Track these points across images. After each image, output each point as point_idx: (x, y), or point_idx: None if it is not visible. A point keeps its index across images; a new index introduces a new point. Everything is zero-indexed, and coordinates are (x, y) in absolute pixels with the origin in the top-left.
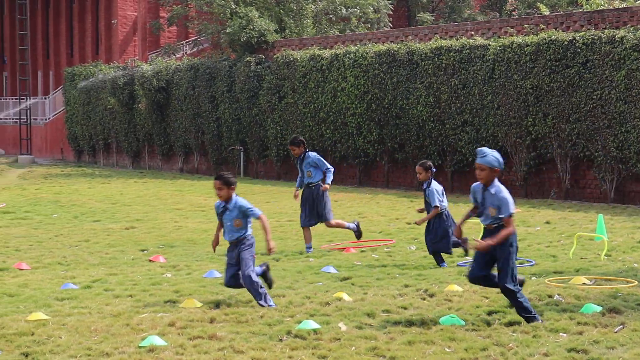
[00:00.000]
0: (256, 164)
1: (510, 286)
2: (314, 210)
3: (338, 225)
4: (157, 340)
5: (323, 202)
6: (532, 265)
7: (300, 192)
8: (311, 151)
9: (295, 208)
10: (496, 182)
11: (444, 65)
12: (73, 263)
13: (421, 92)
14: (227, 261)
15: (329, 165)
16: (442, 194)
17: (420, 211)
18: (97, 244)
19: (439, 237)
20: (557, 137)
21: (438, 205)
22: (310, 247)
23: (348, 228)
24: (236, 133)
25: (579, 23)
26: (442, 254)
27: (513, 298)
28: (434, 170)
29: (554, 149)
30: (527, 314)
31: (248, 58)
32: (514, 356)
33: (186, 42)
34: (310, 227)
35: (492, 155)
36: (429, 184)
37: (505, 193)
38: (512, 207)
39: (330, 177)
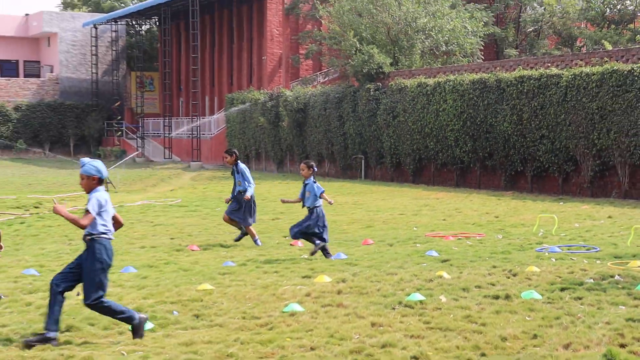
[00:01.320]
0: (374, 169)
1: None
2: (247, 212)
3: (250, 232)
4: (297, 307)
5: (248, 208)
6: (597, 251)
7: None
8: (242, 163)
9: (406, 204)
10: None
11: (525, 90)
12: (232, 246)
13: (507, 112)
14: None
15: (251, 181)
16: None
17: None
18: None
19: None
20: (617, 148)
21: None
22: (258, 240)
23: (254, 239)
24: (358, 145)
25: (637, 56)
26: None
27: None
28: (316, 169)
29: (615, 158)
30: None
31: (368, 85)
32: (582, 324)
33: (319, 73)
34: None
35: (89, 164)
36: (313, 180)
37: None
38: None
39: (249, 191)
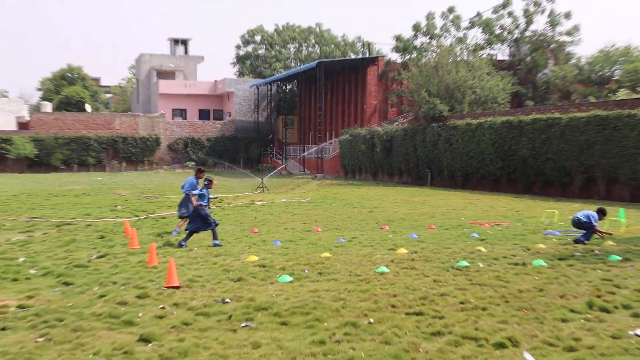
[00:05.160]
0: (436, 179)
1: None
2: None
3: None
4: (384, 269)
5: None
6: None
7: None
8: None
9: (457, 203)
10: None
11: (537, 128)
12: (342, 228)
13: (525, 143)
14: None
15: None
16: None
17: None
18: (353, 219)
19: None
20: (598, 167)
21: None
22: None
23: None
24: (426, 163)
25: (611, 106)
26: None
27: None
28: (212, 180)
29: (596, 173)
30: None
31: (433, 125)
32: (572, 282)
33: (400, 116)
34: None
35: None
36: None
37: None
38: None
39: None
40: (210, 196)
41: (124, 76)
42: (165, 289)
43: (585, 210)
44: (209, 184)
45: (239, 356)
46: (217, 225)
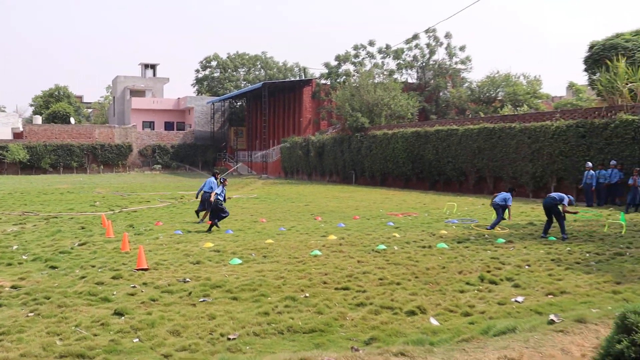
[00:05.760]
0: (359, 179)
1: None
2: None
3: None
4: (318, 252)
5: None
6: (476, 222)
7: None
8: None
9: (377, 198)
10: None
11: (440, 137)
12: (283, 219)
13: (430, 149)
14: None
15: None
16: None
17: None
18: (292, 211)
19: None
20: (487, 168)
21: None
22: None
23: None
24: (351, 165)
25: (496, 120)
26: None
27: None
28: (225, 179)
29: (486, 173)
30: None
31: (356, 134)
32: (468, 260)
33: (330, 127)
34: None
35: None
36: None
37: None
38: None
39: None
40: (224, 193)
41: (103, 94)
42: (135, 271)
43: (502, 193)
44: (224, 181)
45: (197, 326)
46: (227, 215)
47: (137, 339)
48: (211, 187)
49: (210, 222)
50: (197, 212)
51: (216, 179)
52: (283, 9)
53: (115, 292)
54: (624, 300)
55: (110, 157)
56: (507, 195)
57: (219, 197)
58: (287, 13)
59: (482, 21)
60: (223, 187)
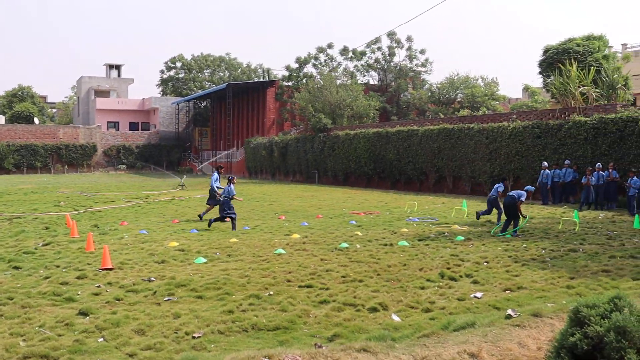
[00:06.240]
0: (322, 178)
1: None
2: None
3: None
4: (281, 250)
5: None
6: (436, 220)
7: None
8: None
9: (339, 196)
10: None
11: (401, 137)
12: (247, 218)
13: (391, 149)
14: None
15: (214, 185)
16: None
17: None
18: (256, 210)
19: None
20: (446, 168)
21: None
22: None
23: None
24: (314, 165)
25: (455, 121)
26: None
27: None
28: (234, 177)
29: (445, 173)
30: None
31: (319, 134)
32: (429, 257)
33: (294, 128)
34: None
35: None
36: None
37: None
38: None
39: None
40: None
41: (67, 94)
42: (100, 270)
43: (517, 191)
44: (232, 179)
45: (162, 325)
46: (234, 216)
47: (102, 339)
48: (214, 182)
49: (222, 219)
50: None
51: (220, 173)
52: (246, 10)
53: (79, 292)
54: (577, 295)
55: (74, 157)
56: (499, 185)
57: (226, 196)
58: (249, 14)
59: (443, 24)
60: (231, 184)
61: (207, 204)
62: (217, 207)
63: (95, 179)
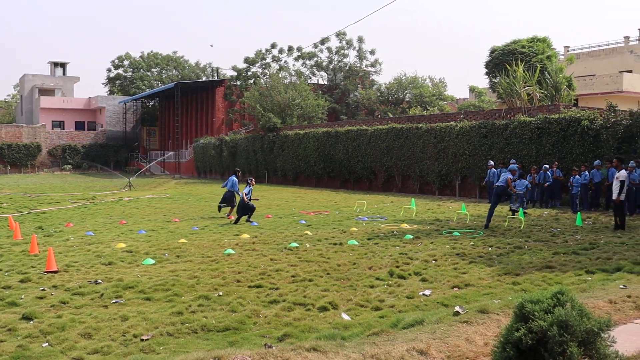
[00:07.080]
0: (272, 178)
1: None
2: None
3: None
4: (231, 251)
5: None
6: (385, 219)
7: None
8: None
9: (289, 196)
10: None
11: (350, 137)
12: (196, 218)
13: (340, 148)
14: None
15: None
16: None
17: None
18: (205, 210)
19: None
20: (395, 167)
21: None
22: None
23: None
24: (264, 165)
25: (404, 121)
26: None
27: None
28: (252, 179)
29: (394, 172)
30: None
31: (269, 134)
32: (378, 256)
33: (243, 128)
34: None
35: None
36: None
37: None
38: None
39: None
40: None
41: (10, 92)
42: (45, 273)
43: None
44: (251, 181)
45: (109, 328)
46: (253, 209)
47: (47, 344)
48: (233, 186)
49: (231, 217)
50: (219, 208)
51: (237, 177)
52: (194, 8)
53: (23, 296)
54: (522, 291)
55: (17, 158)
56: (506, 172)
57: (245, 196)
58: (198, 13)
59: (394, 24)
60: (250, 186)
61: (220, 206)
62: (235, 206)
63: (40, 180)
